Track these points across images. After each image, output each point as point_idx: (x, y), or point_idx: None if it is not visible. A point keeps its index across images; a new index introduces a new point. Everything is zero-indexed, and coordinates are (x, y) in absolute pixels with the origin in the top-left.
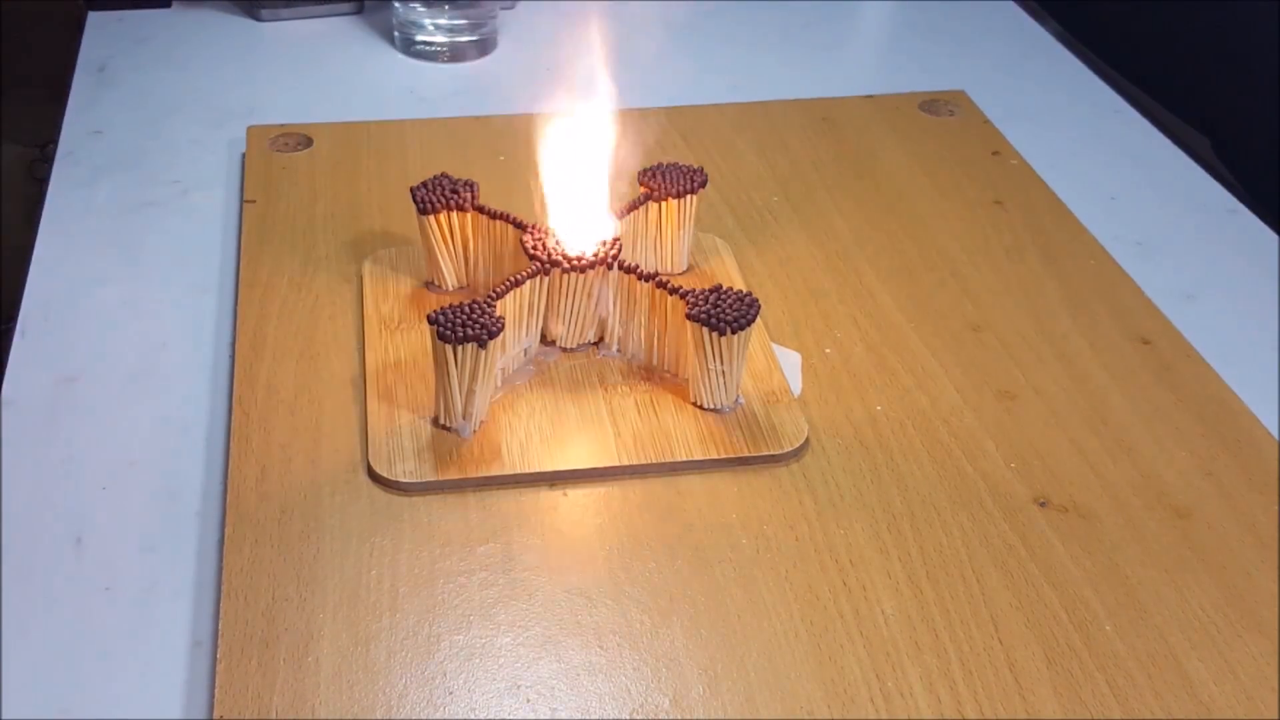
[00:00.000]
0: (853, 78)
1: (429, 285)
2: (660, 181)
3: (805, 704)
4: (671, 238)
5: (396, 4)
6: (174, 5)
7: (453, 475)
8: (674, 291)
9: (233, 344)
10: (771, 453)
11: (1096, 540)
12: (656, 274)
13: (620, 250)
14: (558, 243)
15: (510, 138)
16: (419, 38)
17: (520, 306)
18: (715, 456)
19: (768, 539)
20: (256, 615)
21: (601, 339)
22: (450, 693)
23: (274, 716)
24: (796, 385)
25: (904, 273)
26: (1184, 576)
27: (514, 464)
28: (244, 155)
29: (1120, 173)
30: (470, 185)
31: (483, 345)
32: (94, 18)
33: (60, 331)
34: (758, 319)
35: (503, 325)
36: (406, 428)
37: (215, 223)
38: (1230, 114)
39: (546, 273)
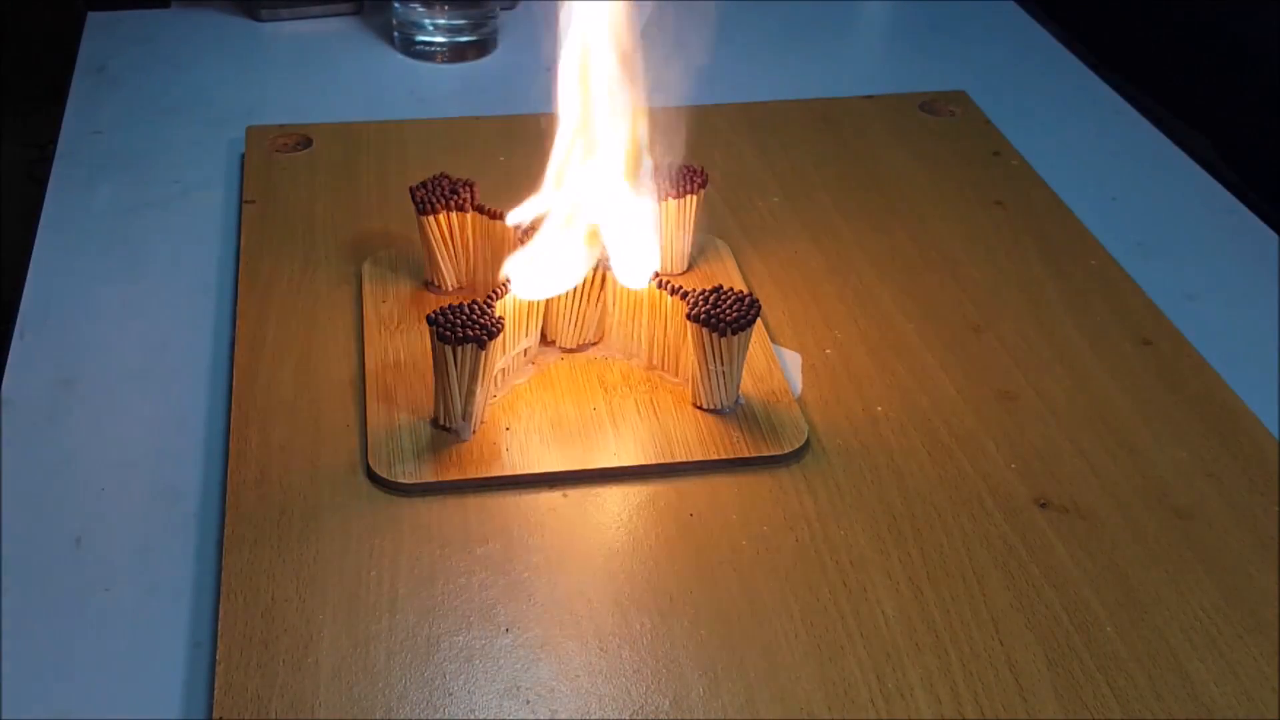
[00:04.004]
0: (853, 78)
1: (429, 285)
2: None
3: (805, 704)
4: (672, 238)
5: (396, 4)
6: (173, 5)
7: (452, 476)
8: (674, 292)
9: (232, 344)
10: (771, 453)
11: (1097, 541)
12: (657, 274)
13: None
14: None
15: (510, 138)
16: (419, 38)
17: (520, 306)
18: (715, 457)
19: (768, 540)
20: (256, 616)
21: (601, 339)
22: (450, 694)
23: (273, 717)
24: (796, 386)
25: (904, 273)
26: (1184, 577)
27: (514, 465)
28: (243, 155)
29: (1120, 173)
30: (470, 185)
31: (482, 346)
32: (93, 18)
33: (60, 332)
34: (758, 319)
35: (503, 325)
36: (406, 428)
37: (215, 223)
38: (1233, 114)
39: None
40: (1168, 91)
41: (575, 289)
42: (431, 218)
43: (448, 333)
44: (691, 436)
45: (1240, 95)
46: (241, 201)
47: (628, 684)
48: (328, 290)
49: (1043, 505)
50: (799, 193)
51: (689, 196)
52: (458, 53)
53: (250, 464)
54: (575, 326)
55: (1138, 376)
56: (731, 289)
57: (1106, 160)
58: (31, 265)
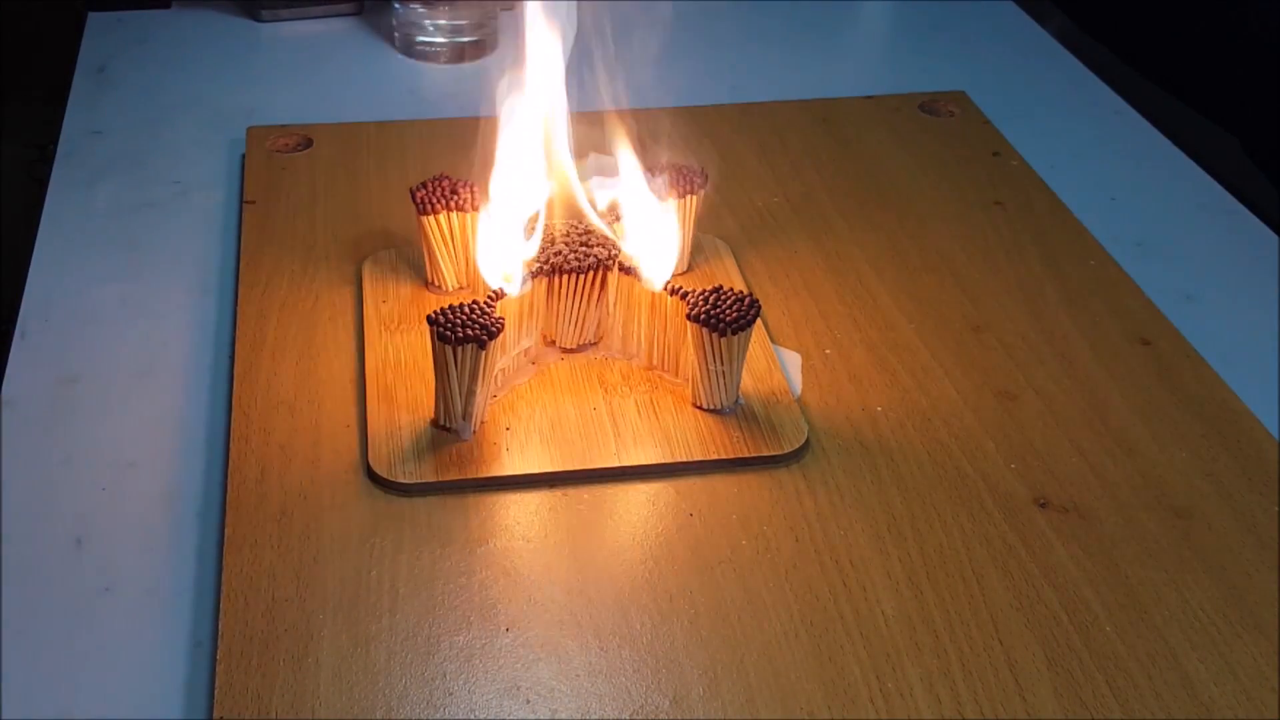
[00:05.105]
0: (853, 78)
1: (429, 285)
2: (661, 182)
3: (805, 704)
4: None
5: (396, 5)
6: (174, 6)
7: (453, 476)
8: (674, 292)
9: (232, 345)
10: (771, 453)
11: (1096, 540)
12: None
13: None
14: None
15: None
16: (419, 38)
17: (520, 306)
18: (715, 457)
19: (768, 539)
20: (256, 616)
21: (601, 339)
22: (450, 694)
23: (274, 717)
24: (796, 386)
25: (904, 273)
26: (1184, 577)
27: (514, 465)
28: (244, 156)
29: (1120, 173)
30: (470, 185)
31: (483, 346)
32: (94, 18)
33: (60, 332)
34: (758, 319)
35: (503, 325)
36: (406, 428)
37: (215, 223)
38: (1260, 113)
39: (549, 275)
40: (1195, 93)
41: (575, 289)
42: (432, 218)
43: (448, 333)
44: (691, 436)
45: (1272, 95)
46: (242, 202)
47: (627, 683)
48: (328, 290)
49: (1042, 505)
50: (799, 193)
51: (689, 196)
52: (458, 53)
53: (251, 464)
54: (575, 326)
55: (1137, 376)
56: (731, 289)
57: (1106, 160)
58: (32, 265)
